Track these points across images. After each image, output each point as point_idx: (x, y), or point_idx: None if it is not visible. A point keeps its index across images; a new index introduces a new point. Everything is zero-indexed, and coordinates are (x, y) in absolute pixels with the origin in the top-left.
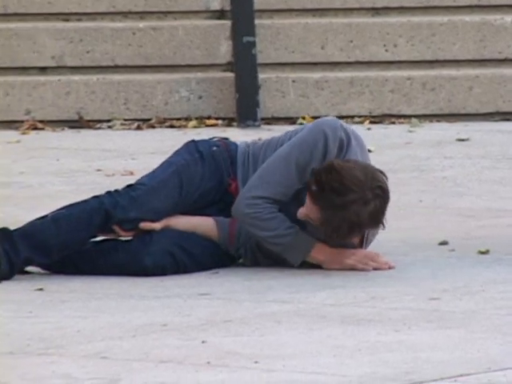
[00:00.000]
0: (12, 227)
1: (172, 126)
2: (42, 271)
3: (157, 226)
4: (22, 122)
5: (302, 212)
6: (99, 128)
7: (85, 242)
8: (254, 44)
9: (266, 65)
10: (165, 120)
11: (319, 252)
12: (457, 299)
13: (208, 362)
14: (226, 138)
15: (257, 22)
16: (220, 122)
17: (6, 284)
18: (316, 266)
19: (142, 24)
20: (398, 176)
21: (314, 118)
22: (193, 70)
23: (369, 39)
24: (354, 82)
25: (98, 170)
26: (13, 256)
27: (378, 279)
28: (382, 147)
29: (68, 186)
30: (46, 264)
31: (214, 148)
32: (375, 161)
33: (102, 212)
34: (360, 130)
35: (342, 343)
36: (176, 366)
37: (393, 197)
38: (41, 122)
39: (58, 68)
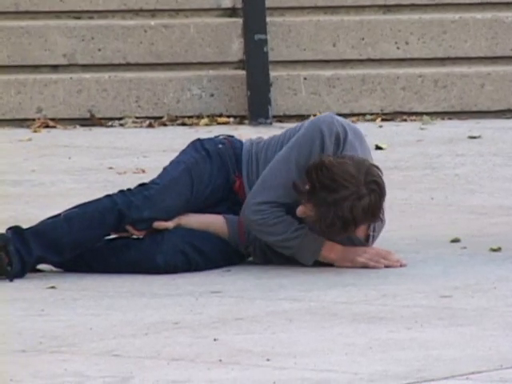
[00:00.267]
0: (24, 225)
1: (184, 124)
2: (54, 269)
3: (170, 224)
4: (34, 120)
5: (300, 210)
6: (111, 126)
7: (97, 241)
8: (265, 42)
9: (278, 62)
10: (176, 118)
11: (330, 251)
12: (468, 297)
13: (220, 360)
14: (232, 136)
15: (268, 19)
16: (232, 119)
17: (18, 282)
18: (327, 264)
19: (153, 22)
20: (409, 173)
21: None
22: (204, 68)
23: (380, 37)
24: (366, 80)
25: (110, 168)
26: (25, 254)
27: (389, 277)
28: (393, 145)
29: (79, 184)
30: (58, 262)
31: (220, 146)
32: (387, 158)
33: (115, 212)
34: (372, 128)
35: (354, 341)
36: (188, 363)
37: (404, 194)
38: (52, 120)
39: (69, 66)
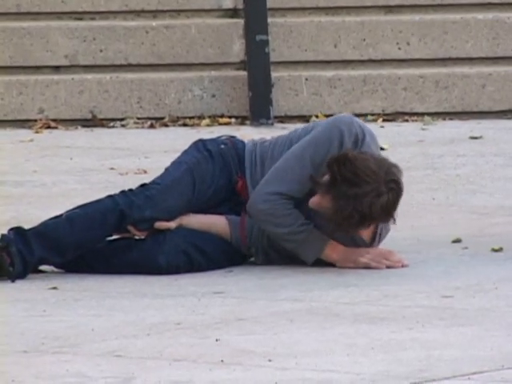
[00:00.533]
0: (26, 226)
1: (185, 125)
2: (55, 270)
3: (172, 225)
4: (36, 120)
5: (314, 201)
6: (112, 127)
7: (99, 242)
8: (267, 42)
9: (279, 63)
10: (178, 118)
11: (333, 250)
12: (470, 297)
13: (222, 361)
14: (233, 136)
15: (270, 20)
16: (233, 120)
17: (19, 283)
18: (329, 264)
19: (154, 23)
20: (411, 174)
21: (327, 116)
22: (206, 69)
23: (382, 37)
24: (367, 80)
25: (112, 169)
26: (27, 255)
27: (390, 277)
28: (394, 145)
29: (81, 184)
30: (60, 263)
31: (222, 146)
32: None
33: (116, 212)
34: (373, 128)
35: (355, 341)
36: (190, 364)
37: (406, 195)
38: (54, 120)
39: (71, 67)
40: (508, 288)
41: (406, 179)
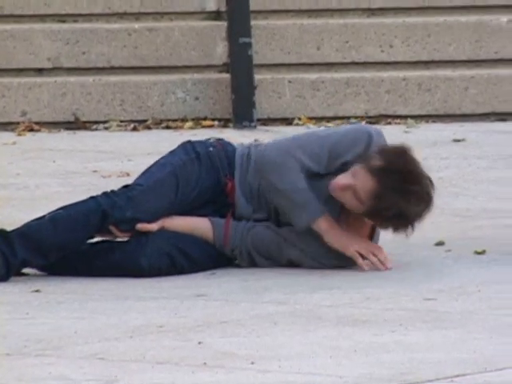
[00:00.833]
0: (9, 228)
1: (168, 127)
2: (38, 272)
3: (154, 226)
4: (18, 123)
5: (343, 182)
6: (95, 129)
7: (82, 243)
8: (249, 45)
9: (262, 66)
10: (161, 121)
11: (327, 224)
12: (453, 300)
13: (204, 363)
14: (222, 139)
15: (253, 22)
16: (216, 123)
17: (2, 286)
18: (312, 267)
19: (137, 25)
20: None
21: (310, 118)
22: (189, 71)
23: (364, 40)
24: (350, 83)
25: (94, 172)
26: (10, 257)
27: (373, 280)
28: None
29: (64, 187)
30: (43, 265)
31: (211, 148)
32: None
33: (99, 212)
34: None
35: (338, 344)
36: (172, 367)
37: None
38: (37, 123)
39: (54, 69)
40: (491, 291)
41: None
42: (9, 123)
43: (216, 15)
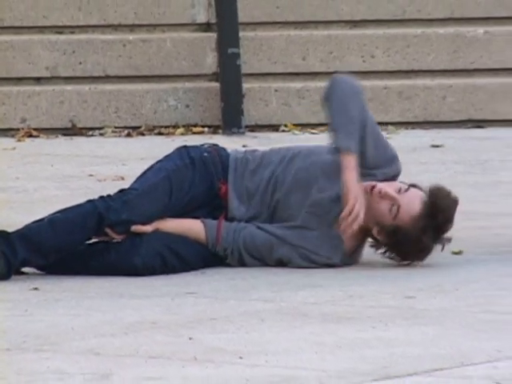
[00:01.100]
0: (8, 230)
1: (160, 134)
2: (36, 272)
3: (148, 228)
4: (18, 129)
5: (391, 192)
6: (91, 135)
7: (80, 244)
8: (238, 55)
9: (250, 75)
10: (154, 128)
11: (354, 163)
12: (431, 297)
13: (195, 358)
14: (216, 145)
15: (241, 34)
16: (206, 129)
17: (2, 284)
18: (300, 267)
19: (131, 36)
20: None
21: (296, 125)
22: (180, 80)
23: (347, 50)
24: None
25: (90, 176)
26: (10, 257)
27: (356, 278)
28: None
29: (61, 190)
30: (42, 265)
31: (205, 154)
32: None
33: (95, 215)
34: None
35: (323, 340)
36: (164, 361)
37: None
38: (35, 129)
39: (52, 78)
40: (467, 289)
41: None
42: (9, 129)
43: (206, 27)
